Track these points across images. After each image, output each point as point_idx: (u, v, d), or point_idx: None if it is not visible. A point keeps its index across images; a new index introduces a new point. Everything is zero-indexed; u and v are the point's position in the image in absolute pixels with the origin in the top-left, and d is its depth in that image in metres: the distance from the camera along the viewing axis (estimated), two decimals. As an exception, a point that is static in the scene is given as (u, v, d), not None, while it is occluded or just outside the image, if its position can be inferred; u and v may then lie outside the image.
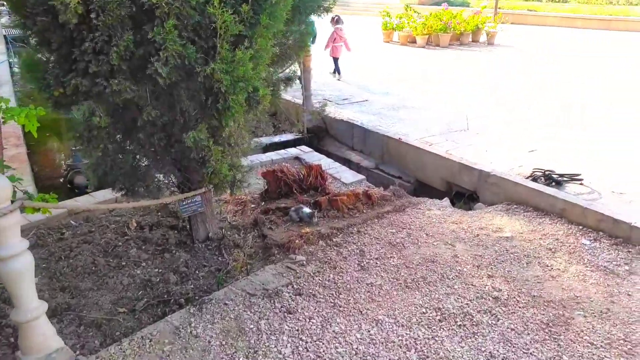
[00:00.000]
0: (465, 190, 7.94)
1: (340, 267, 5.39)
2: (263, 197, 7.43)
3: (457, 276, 5.20)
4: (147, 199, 5.79)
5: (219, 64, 4.30)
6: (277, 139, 10.44)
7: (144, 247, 6.15)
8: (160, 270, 5.65)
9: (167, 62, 4.24)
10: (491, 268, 5.36)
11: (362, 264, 5.44)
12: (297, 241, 5.82)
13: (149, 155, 5.20)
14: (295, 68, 6.44)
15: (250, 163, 8.76)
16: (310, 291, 4.97)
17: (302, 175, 7.20)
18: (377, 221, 6.49)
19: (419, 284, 5.07)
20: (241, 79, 4.44)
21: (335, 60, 14.53)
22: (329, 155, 10.42)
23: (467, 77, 14.76)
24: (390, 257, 5.60)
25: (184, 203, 5.90)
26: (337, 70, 14.58)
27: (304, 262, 5.49)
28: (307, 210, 6.35)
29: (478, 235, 6.11)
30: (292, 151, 9.48)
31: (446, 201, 7.29)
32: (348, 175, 8.33)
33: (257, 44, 4.56)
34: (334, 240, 5.98)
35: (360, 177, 8.30)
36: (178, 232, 6.43)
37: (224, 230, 6.46)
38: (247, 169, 5.63)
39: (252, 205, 7.25)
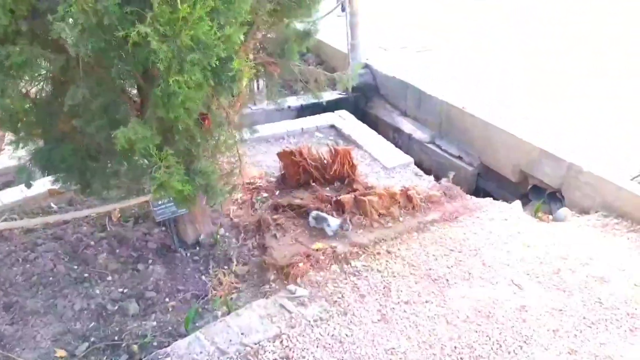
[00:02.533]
0: (545, 186, 5.97)
1: (354, 314, 3.85)
2: (279, 184, 5.90)
3: (520, 348, 3.50)
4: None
5: (151, 25, 2.68)
6: (314, 99, 8.67)
7: (117, 250, 4.89)
8: (124, 292, 4.38)
9: (76, 23, 2.69)
10: (575, 337, 3.60)
11: (385, 311, 3.86)
12: (301, 265, 4.31)
13: (90, 148, 3.79)
14: (314, 20, 4.68)
15: (272, 134, 7.22)
16: (304, 354, 3.50)
17: (325, 161, 5.55)
18: (417, 235, 4.80)
19: (461, 357, 3.44)
20: (193, 48, 2.81)
21: None
22: (376, 121, 8.63)
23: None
24: (427, 301, 3.96)
25: (159, 204, 4.52)
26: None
27: (306, 300, 4.00)
28: (334, 222, 4.74)
29: (559, 270, 4.29)
30: (329, 117, 7.76)
31: (516, 206, 5.41)
32: (390, 156, 6.57)
33: (225, -11, 2.87)
34: (353, 264, 4.40)
35: (407, 159, 6.52)
36: (165, 229, 5.10)
37: (218, 232, 5.06)
38: (226, 174, 4.09)
39: (265, 194, 5.76)
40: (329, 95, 8.69)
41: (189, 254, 4.83)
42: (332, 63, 10.10)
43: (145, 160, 3.25)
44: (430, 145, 7.52)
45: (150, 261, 4.71)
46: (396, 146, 7.73)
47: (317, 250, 4.52)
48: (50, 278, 4.53)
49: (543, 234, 4.82)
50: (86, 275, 4.59)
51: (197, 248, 4.93)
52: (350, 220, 4.85)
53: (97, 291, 4.39)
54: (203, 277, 4.53)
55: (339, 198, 5.10)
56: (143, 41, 2.68)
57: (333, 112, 7.90)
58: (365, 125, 7.51)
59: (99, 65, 3.16)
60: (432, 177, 6.15)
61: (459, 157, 7.07)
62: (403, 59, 9.29)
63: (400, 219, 4.99)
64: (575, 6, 12.68)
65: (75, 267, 4.69)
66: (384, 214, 4.99)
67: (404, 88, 8.21)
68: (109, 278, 4.55)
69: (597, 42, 9.88)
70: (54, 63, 3.19)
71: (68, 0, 2.57)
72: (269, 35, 4.63)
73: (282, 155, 5.74)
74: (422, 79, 8.15)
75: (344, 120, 7.71)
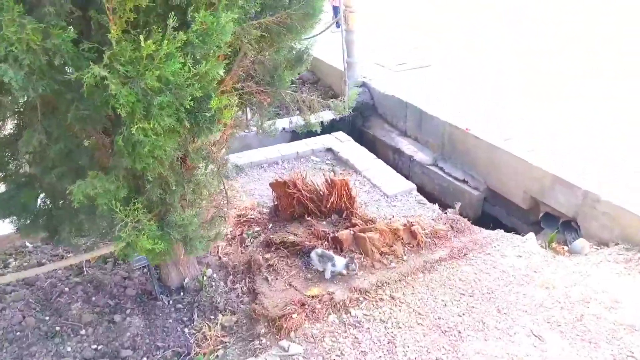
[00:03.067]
0: (559, 214, 5.55)
1: (355, 376, 3.41)
2: (272, 216, 5.47)
3: (548, 418, 3.06)
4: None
5: (109, 66, 2.27)
6: (314, 118, 8.26)
7: (93, 298, 4.45)
8: (98, 349, 3.93)
9: (21, 63, 2.29)
10: (609, 402, 3.16)
11: (390, 373, 3.42)
12: (295, 316, 3.86)
13: (55, 195, 3.36)
14: (306, 45, 4.29)
15: (265, 159, 6.81)
16: None
17: (322, 193, 5.13)
18: (424, 277, 4.37)
19: None
20: (161, 90, 2.39)
21: (335, 8, 11.61)
22: (374, 141, 8.23)
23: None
24: (437, 358, 3.52)
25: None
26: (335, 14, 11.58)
27: (301, 358, 3.55)
28: (340, 262, 4.31)
29: (582, 317, 3.86)
30: (326, 140, 7.36)
31: (530, 240, 4.97)
32: (391, 182, 6.14)
33: (199, 20, 2.46)
34: (353, 313, 3.96)
35: (409, 185, 6.09)
36: (148, 272, 4.66)
37: (205, 274, 4.62)
38: (209, 219, 3.66)
39: (256, 228, 5.33)
40: (325, 116, 8.30)
41: (171, 302, 4.38)
42: (328, 80, 9.74)
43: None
44: (432, 168, 7.11)
45: (128, 311, 4.27)
46: (396, 168, 7.33)
47: (312, 297, 4.08)
48: (18, 333, 4.08)
49: (561, 273, 4.39)
50: (58, 328, 4.14)
51: (182, 293, 4.49)
52: (355, 260, 4.42)
53: (69, 348, 3.94)
54: (186, 330, 4.08)
55: (336, 235, 4.67)
56: (100, 84, 2.27)
57: (330, 133, 7.50)
58: (364, 149, 7.10)
59: (58, 108, 2.75)
60: (436, 206, 5.73)
61: (464, 181, 6.65)
62: (401, 76, 8.91)
63: (405, 257, 4.55)
64: (568, 5, 12.37)
65: (47, 318, 4.25)
66: (386, 253, 4.56)
67: (403, 107, 7.82)
68: (83, 332, 4.10)
69: (590, 42, 9.56)
70: (6, 106, 2.79)
71: (7, 38, 2.14)
72: (258, 61, 4.24)
73: (275, 186, 5.32)
74: (422, 98, 7.76)
75: (341, 142, 7.30)
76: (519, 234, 5.48)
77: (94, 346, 3.96)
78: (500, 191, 6.28)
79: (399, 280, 4.29)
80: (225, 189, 4.31)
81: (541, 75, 8.04)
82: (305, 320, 3.85)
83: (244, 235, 5.21)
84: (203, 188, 3.27)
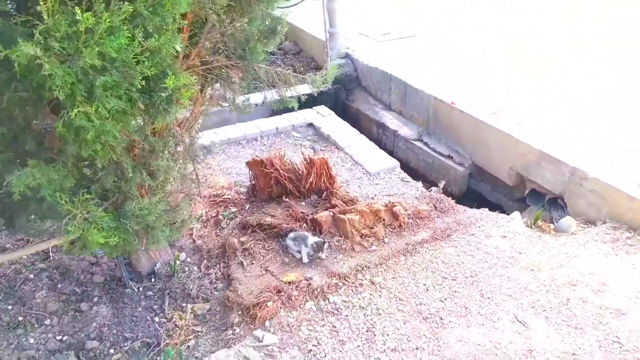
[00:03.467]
0: (545, 191, 5.40)
1: (332, 367, 3.26)
2: (249, 196, 5.25)
3: (531, 410, 2.95)
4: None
5: (45, 41, 1.99)
6: (290, 92, 7.96)
7: (59, 285, 4.23)
8: (63, 340, 3.74)
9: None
10: (594, 392, 3.06)
11: (368, 363, 3.27)
12: (271, 304, 3.69)
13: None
14: (280, 14, 3.99)
15: (244, 135, 6.53)
16: None
17: (300, 172, 4.90)
18: (405, 260, 4.21)
19: None
20: (105, 68, 2.12)
21: None
22: (357, 115, 7.97)
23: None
24: (418, 347, 3.38)
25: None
26: None
27: (275, 349, 3.39)
28: (310, 239, 4.14)
29: (568, 300, 3.73)
30: (307, 115, 7.08)
31: (516, 219, 4.82)
32: (374, 159, 5.93)
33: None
34: (331, 300, 3.80)
35: (392, 162, 5.88)
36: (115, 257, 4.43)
37: (178, 258, 4.42)
38: (172, 208, 3.40)
39: (233, 209, 5.11)
40: (305, 89, 7.97)
41: (141, 289, 4.18)
42: (311, 52, 9.38)
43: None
44: (417, 143, 6.89)
45: (95, 299, 4.06)
46: (380, 143, 7.13)
47: (289, 283, 3.90)
48: (-22, 324, 3.87)
49: (547, 254, 4.26)
50: (21, 318, 3.93)
51: (153, 279, 4.29)
52: (329, 243, 4.24)
53: (32, 340, 3.74)
54: (156, 319, 3.89)
55: (315, 217, 4.47)
56: (34, 63, 1.99)
57: (312, 107, 7.21)
58: (346, 124, 6.85)
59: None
60: (420, 184, 5.54)
61: (449, 157, 6.46)
62: (386, 47, 8.58)
63: (386, 239, 4.38)
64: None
65: (10, 307, 4.03)
66: (366, 235, 4.38)
67: (388, 80, 7.54)
68: (47, 322, 3.89)
69: (574, 21, 9.30)
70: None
71: None
72: (228, 33, 3.93)
73: (251, 165, 5.08)
74: (407, 70, 7.47)
75: (323, 117, 7.04)
76: (505, 212, 5.35)
77: (59, 337, 3.76)
78: (486, 167, 6.10)
79: (380, 264, 4.12)
80: (195, 170, 4.06)
81: (525, 55, 7.80)
82: (281, 308, 3.68)
83: (220, 216, 4.99)
84: (165, 173, 3.02)
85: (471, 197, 6.43)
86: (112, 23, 2.04)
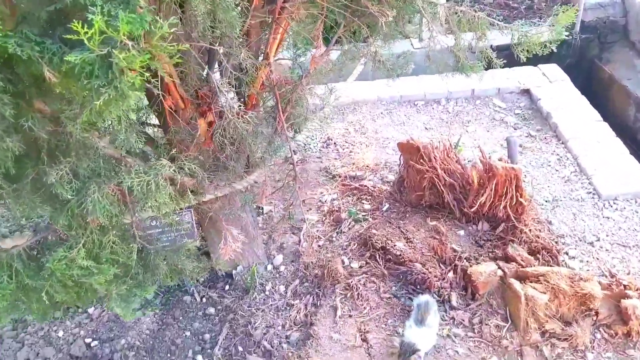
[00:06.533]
0: None
1: None
2: (393, 192, 3.61)
3: None
4: None
5: None
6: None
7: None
8: (89, 346, 2.90)
9: None
10: None
11: None
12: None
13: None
14: None
15: (423, 94, 4.74)
16: None
17: (470, 181, 3.03)
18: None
19: None
20: None
21: None
22: (609, 86, 5.34)
23: None
24: None
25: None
26: None
27: None
28: (432, 318, 2.41)
29: None
30: (524, 74, 4.84)
31: None
32: (613, 171, 3.59)
33: None
34: None
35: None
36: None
37: (254, 273, 3.13)
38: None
39: (366, 206, 3.58)
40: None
41: (204, 299, 3.07)
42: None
43: None
44: None
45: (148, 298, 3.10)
46: (634, 135, 4.57)
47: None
48: None
49: None
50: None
51: (227, 287, 3.14)
52: (484, 320, 2.43)
53: (61, 332, 2.99)
54: (199, 359, 2.74)
55: (470, 269, 2.65)
56: None
57: (535, 65, 4.90)
58: (584, 100, 4.44)
59: None
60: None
61: None
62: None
63: (590, 353, 2.34)
64: None
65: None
66: (554, 334, 2.40)
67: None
68: (90, 311, 3.10)
69: None
70: None
71: None
72: None
73: (404, 149, 3.39)
74: None
75: (550, 83, 4.71)
76: None
77: (88, 339, 2.93)
78: None
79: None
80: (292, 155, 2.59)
81: None
82: None
83: (343, 214, 3.51)
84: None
85: None
86: None
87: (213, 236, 3.02)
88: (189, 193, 1.84)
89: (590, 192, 3.52)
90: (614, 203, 3.42)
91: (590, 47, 5.66)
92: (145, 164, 1.68)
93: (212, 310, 3.02)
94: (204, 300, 3.08)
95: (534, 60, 3.95)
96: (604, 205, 3.41)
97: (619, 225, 3.26)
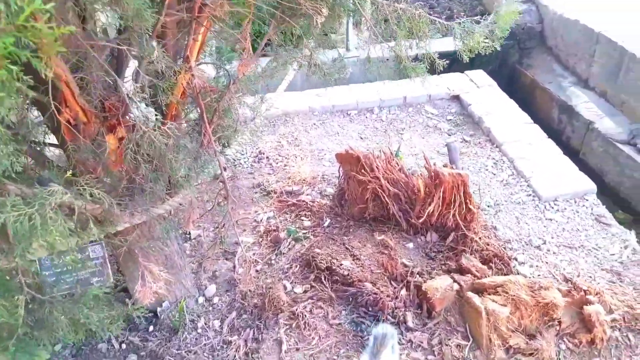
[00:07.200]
0: None
1: None
2: (334, 205, 3.36)
3: None
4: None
5: None
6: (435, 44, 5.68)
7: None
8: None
9: None
10: None
11: None
12: None
13: None
14: None
15: (355, 103, 4.57)
16: None
17: (416, 190, 2.84)
18: None
19: None
20: None
21: None
22: (532, 90, 5.47)
23: None
24: None
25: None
26: None
27: None
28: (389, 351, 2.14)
29: None
30: (453, 81, 4.84)
31: None
32: (551, 173, 3.58)
33: None
34: None
35: (583, 184, 3.50)
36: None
37: (182, 309, 2.75)
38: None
39: (306, 222, 3.30)
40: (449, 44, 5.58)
41: (123, 346, 2.63)
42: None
43: None
44: (625, 148, 4.28)
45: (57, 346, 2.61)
46: (560, 138, 4.68)
47: None
48: None
49: None
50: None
51: (152, 327, 2.72)
52: (435, 333, 2.21)
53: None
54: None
55: (422, 286, 2.44)
56: None
57: (461, 71, 4.92)
58: (512, 103, 4.48)
59: None
60: (632, 234, 3.12)
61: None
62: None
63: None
64: None
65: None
66: (518, 350, 2.24)
67: (591, 41, 4.85)
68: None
69: None
70: None
71: None
72: None
73: (343, 160, 3.16)
74: (627, 28, 4.70)
75: (478, 88, 4.72)
76: None
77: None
78: None
79: None
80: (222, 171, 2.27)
81: None
82: None
83: (281, 233, 3.21)
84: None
85: None
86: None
87: (132, 271, 2.59)
88: (92, 224, 1.47)
89: (530, 195, 3.47)
90: (555, 204, 3.39)
91: (510, 53, 5.80)
92: (31, 192, 1.29)
93: (134, 357, 2.57)
94: (124, 346, 2.63)
95: (458, 65, 3.92)
96: (545, 207, 3.37)
97: (562, 226, 3.22)
